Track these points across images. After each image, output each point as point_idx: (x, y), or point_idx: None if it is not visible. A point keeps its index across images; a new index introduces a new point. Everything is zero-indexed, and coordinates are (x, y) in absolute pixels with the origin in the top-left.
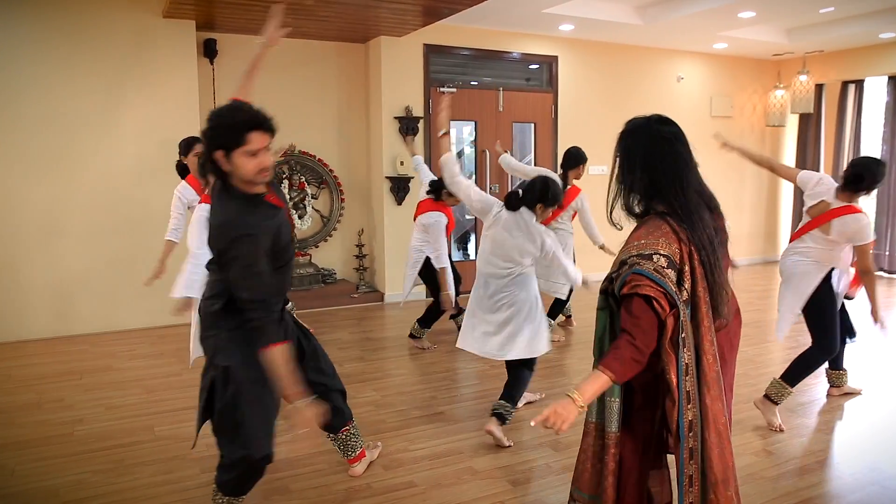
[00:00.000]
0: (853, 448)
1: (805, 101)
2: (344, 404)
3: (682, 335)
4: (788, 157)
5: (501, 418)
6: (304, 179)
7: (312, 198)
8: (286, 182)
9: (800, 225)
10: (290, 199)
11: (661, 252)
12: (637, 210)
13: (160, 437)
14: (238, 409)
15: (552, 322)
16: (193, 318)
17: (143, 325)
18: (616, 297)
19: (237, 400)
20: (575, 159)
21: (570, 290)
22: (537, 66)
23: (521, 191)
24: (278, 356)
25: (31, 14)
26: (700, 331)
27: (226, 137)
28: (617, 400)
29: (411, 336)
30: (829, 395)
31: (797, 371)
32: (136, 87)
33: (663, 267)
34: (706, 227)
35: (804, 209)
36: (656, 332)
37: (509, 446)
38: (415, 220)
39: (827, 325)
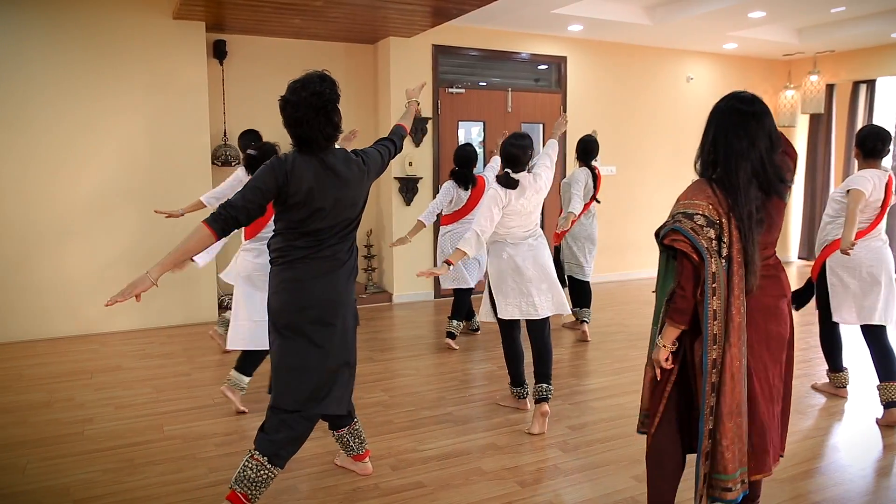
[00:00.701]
0: (864, 450)
1: (816, 102)
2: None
3: (714, 285)
4: (799, 158)
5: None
6: None
7: None
8: None
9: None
10: None
11: (702, 213)
12: (698, 171)
13: (169, 437)
14: (275, 356)
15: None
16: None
17: (153, 325)
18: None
19: (272, 346)
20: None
21: (585, 296)
22: (546, 66)
23: (508, 171)
24: (197, 232)
25: (42, 16)
26: (731, 284)
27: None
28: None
29: (449, 335)
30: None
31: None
32: (146, 87)
33: (701, 226)
34: (749, 202)
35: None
36: (695, 280)
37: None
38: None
39: None
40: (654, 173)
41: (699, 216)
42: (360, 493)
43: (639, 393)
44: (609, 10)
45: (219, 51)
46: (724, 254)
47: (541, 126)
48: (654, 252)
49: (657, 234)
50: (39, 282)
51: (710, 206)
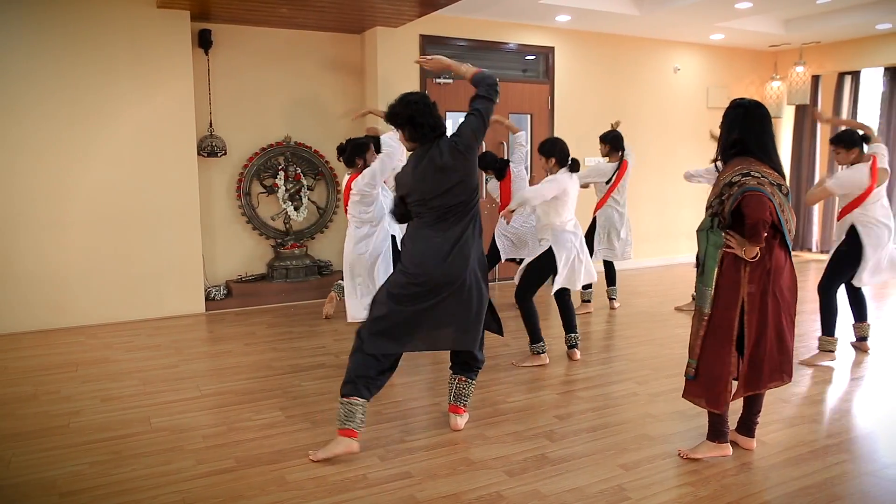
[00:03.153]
0: (849, 437)
1: (801, 93)
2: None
3: (787, 222)
4: (784, 149)
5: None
6: (300, 171)
7: (308, 189)
8: (282, 174)
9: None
10: (286, 190)
11: (764, 174)
12: (725, 159)
13: (157, 429)
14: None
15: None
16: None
17: (140, 316)
18: (724, 217)
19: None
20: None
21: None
22: (534, 56)
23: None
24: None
25: (25, 6)
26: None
27: None
28: (710, 289)
29: None
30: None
31: None
32: (131, 78)
33: (760, 183)
34: (779, 163)
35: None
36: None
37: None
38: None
39: None
40: (640, 164)
41: (763, 178)
42: (347, 483)
43: (625, 382)
44: (596, 1)
45: (204, 40)
46: (786, 192)
47: (528, 117)
48: (641, 242)
49: (714, 213)
50: (24, 274)
51: (759, 166)
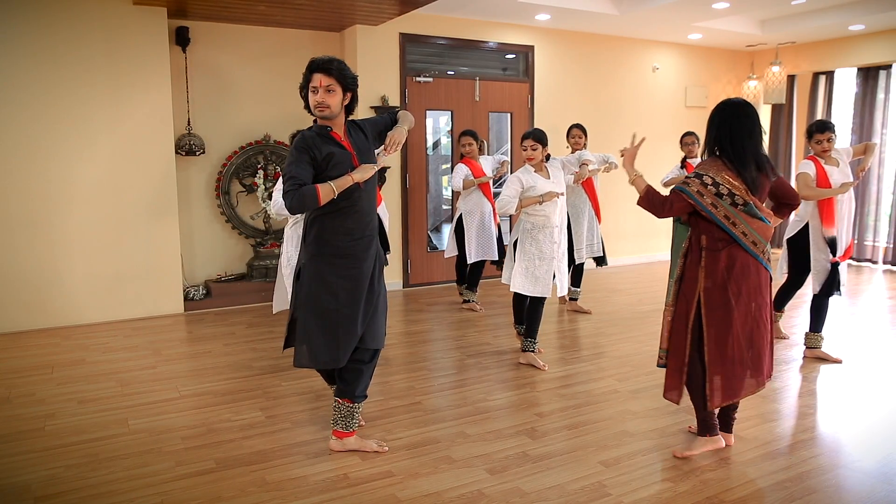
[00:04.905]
0: (824, 432)
1: (777, 92)
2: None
3: (731, 221)
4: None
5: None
6: (279, 169)
7: None
8: (261, 172)
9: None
10: (266, 188)
11: (718, 180)
12: (706, 155)
13: (134, 431)
14: (297, 310)
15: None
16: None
17: (117, 317)
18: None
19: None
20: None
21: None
22: (514, 55)
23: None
24: (323, 188)
25: None
26: (742, 222)
27: (304, 78)
28: (672, 281)
29: (465, 301)
30: (804, 356)
31: None
32: (107, 75)
33: (705, 184)
34: (751, 173)
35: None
36: (669, 213)
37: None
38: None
39: None
40: (619, 162)
41: (708, 177)
42: (328, 483)
43: (606, 379)
44: (576, 0)
45: (181, 38)
46: (742, 203)
47: (508, 115)
48: (619, 240)
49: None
50: None
51: (718, 172)
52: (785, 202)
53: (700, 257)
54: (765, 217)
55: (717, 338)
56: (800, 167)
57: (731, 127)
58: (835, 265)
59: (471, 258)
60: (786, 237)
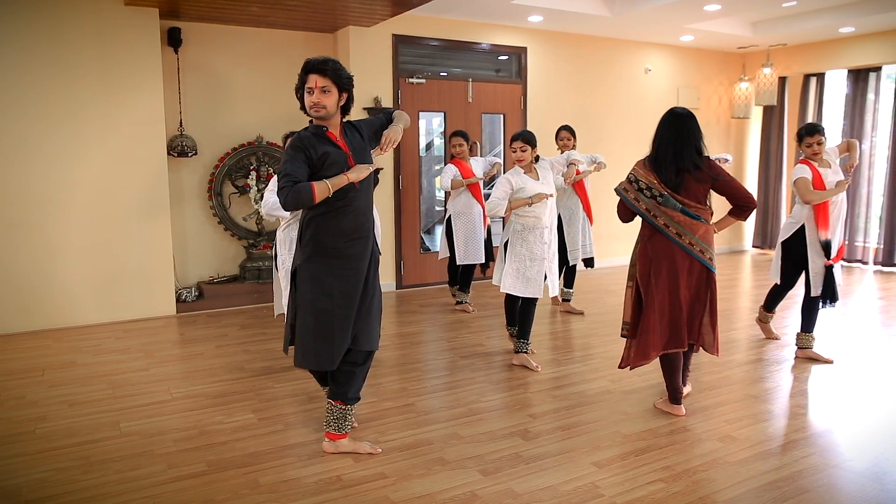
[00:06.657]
0: (816, 433)
1: (769, 94)
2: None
3: (652, 214)
4: (752, 149)
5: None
6: (272, 171)
7: None
8: (254, 174)
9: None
10: (259, 190)
11: (638, 177)
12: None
13: (126, 433)
14: (294, 312)
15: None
16: (275, 274)
17: (109, 319)
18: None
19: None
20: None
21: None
22: (506, 57)
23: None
24: (319, 185)
25: None
26: (662, 214)
27: (299, 79)
28: (629, 267)
29: (458, 303)
30: (796, 357)
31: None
32: (99, 76)
33: (630, 182)
34: (669, 175)
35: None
36: (622, 214)
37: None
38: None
39: None
40: (611, 164)
41: (638, 180)
42: (322, 485)
43: (599, 380)
44: (568, 2)
45: (173, 39)
46: (658, 195)
47: (501, 117)
48: (611, 241)
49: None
50: None
51: (646, 174)
52: (735, 203)
53: (638, 245)
54: (694, 213)
55: (644, 311)
56: (795, 172)
57: (660, 134)
58: (829, 268)
59: (459, 260)
60: (780, 240)
